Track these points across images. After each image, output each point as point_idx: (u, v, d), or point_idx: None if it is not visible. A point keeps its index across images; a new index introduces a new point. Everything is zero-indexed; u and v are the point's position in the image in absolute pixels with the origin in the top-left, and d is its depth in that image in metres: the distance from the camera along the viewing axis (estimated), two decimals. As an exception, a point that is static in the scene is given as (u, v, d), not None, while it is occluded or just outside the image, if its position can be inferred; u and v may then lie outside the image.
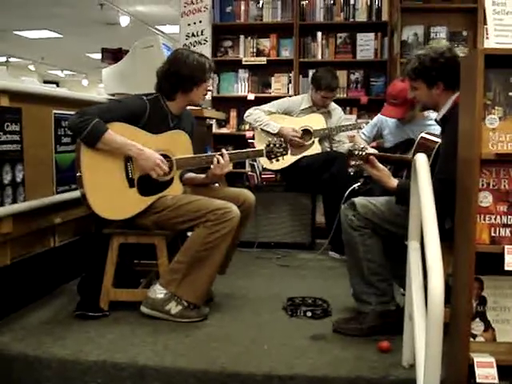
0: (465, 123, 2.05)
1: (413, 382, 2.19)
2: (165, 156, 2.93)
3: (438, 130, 3.57)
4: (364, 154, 2.59)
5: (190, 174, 3.19)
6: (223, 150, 3.03)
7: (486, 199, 1.95)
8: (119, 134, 2.79)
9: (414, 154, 2.73)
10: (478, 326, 2.05)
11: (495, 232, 1.95)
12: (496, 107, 1.91)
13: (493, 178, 1.94)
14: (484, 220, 1.95)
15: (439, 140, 2.69)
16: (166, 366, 2.35)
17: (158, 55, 3.72)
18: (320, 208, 4.78)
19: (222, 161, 2.98)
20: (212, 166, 2.99)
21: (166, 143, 2.95)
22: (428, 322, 1.67)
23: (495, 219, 1.95)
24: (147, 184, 2.88)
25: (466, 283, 1.95)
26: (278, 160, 3.16)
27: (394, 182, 2.59)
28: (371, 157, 2.61)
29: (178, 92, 2.99)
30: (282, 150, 3.12)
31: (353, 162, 2.62)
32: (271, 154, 3.11)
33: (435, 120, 2.67)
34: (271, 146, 3.11)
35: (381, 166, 2.61)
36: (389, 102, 3.90)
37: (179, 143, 3.02)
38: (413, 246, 2.26)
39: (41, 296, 3.18)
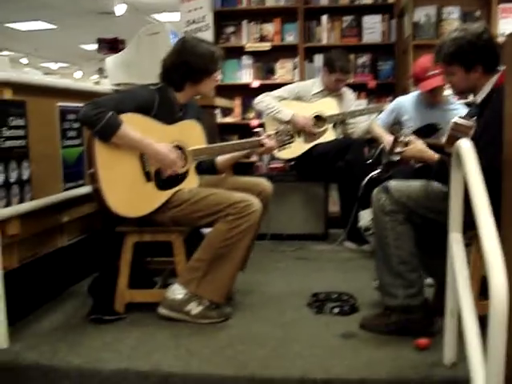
0: (513, 105, 1.89)
1: (459, 381, 2.07)
2: (179, 147, 2.79)
3: (460, 114, 3.45)
4: (407, 139, 2.45)
5: (223, 157, 3.04)
6: (262, 134, 2.99)
7: (540, 185, 1.80)
8: (134, 125, 2.62)
9: (447, 141, 2.58)
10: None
11: (551, 221, 1.81)
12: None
13: (547, 162, 1.80)
14: (538, 208, 1.81)
15: (471, 124, 2.54)
16: (192, 373, 2.21)
17: (164, 42, 3.57)
18: (332, 197, 4.64)
19: (272, 142, 2.94)
20: (262, 149, 2.96)
21: (179, 134, 2.80)
22: (491, 321, 1.52)
23: (551, 207, 1.80)
24: (163, 177, 2.73)
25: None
26: (285, 148, 3.10)
27: (434, 154, 2.47)
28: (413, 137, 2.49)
29: (186, 83, 2.83)
30: (289, 137, 3.04)
31: (398, 149, 2.47)
32: (280, 143, 3.02)
33: (473, 103, 2.51)
34: (279, 133, 3.02)
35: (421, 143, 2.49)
36: (426, 76, 3.69)
37: (192, 134, 2.88)
38: (455, 238, 2.11)
39: (51, 299, 3.03)
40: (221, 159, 3.04)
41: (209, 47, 2.85)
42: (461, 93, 2.58)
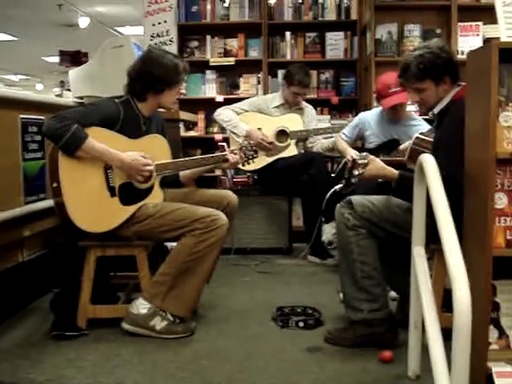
0: (475, 122, 1.94)
1: (423, 394, 2.10)
2: (144, 162, 2.77)
3: (422, 129, 3.52)
4: (367, 161, 2.48)
5: (186, 172, 3.02)
6: (226, 148, 2.97)
7: (500, 201, 1.85)
8: (99, 139, 2.60)
9: (409, 156, 2.63)
10: (492, 334, 1.95)
11: (511, 235, 1.85)
12: (510, 104, 1.81)
13: (507, 178, 1.85)
14: (499, 223, 1.86)
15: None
16: (157, 389, 2.18)
17: (128, 55, 3.53)
18: (296, 211, 4.66)
19: (236, 157, 2.95)
20: (227, 164, 2.97)
21: (144, 148, 2.78)
22: (455, 333, 1.55)
23: (511, 221, 1.85)
24: (128, 192, 2.70)
25: (482, 289, 1.85)
26: (249, 163, 3.12)
27: (393, 171, 2.49)
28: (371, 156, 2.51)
29: (148, 93, 2.82)
30: (253, 152, 3.07)
31: (357, 172, 2.49)
32: (244, 157, 3.03)
33: (432, 114, 2.55)
34: (243, 148, 3.03)
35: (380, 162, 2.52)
36: (389, 93, 3.74)
37: (157, 148, 2.87)
38: (418, 252, 2.14)
39: (11, 315, 2.95)
40: (185, 173, 3.02)
41: (173, 59, 2.85)
42: (431, 108, 2.59)
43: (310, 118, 4.58)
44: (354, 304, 2.56)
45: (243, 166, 3.13)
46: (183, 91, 2.99)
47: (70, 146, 2.52)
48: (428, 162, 1.93)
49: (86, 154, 2.56)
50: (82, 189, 2.60)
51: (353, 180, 2.54)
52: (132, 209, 2.71)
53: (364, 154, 2.55)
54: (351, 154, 3.81)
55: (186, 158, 2.99)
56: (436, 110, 2.50)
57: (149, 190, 2.78)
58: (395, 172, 2.48)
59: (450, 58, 2.47)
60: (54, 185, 2.56)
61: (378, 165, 2.51)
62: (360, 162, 2.48)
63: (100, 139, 2.60)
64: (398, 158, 2.91)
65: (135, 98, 2.82)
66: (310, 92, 5.39)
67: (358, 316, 2.54)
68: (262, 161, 4.31)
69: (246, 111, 4.48)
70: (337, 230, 2.62)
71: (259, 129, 4.36)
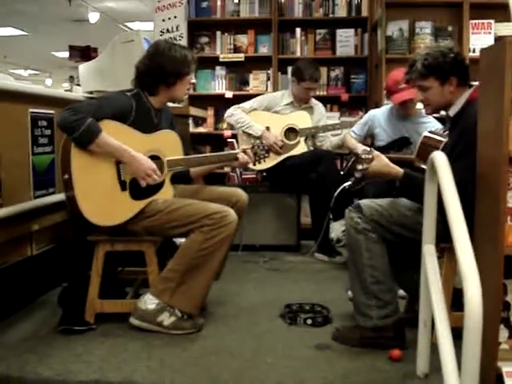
0: (487, 120, 1.92)
1: (432, 393, 2.09)
2: (155, 157, 2.76)
3: (432, 127, 3.50)
4: (371, 156, 2.44)
5: (196, 168, 3.03)
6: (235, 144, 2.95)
7: (512, 199, 1.83)
8: (113, 133, 2.59)
9: (417, 154, 2.61)
10: (502, 333, 1.94)
11: (524, 234, 1.83)
12: (524, 101, 1.79)
13: (520, 176, 1.83)
14: (511, 221, 1.84)
15: (443, 138, 2.57)
16: (165, 385, 2.18)
17: (139, 50, 3.51)
18: (304, 208, 4.65)
19: (246, 157, 2.95)
20: (238, 163, 2.97)
21: (156, 143, 2.78)
22: (466, 332, 1.54)
23: (523, 220, 1.83)
24: (138, 187, 2.70)
25: (493, 288, 1.84)
26: (260, 162, 3.12)
27: (399, 169, 2.46)
28: (376, 152, 2.48)
29: (160, 86, 2.81)
30: (264, 152, 3.06)
31: (360, 167, 2.45)
32: (255, 157, 3.03)
33: (447, 116, 2.53)
34: (255, 148, 3.03)
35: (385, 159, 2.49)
36: (398, 89, 3.71)
37: (169, 143, 2.86)
38: (428, 251, 2.12)
39: (20, 309, 2.96)
40: (195, 169, 3.02)
41: (181, 50, 2.84)
42: (436, 110, 2.55)
43: (320, 116, 4.55)
44: (364, 311, 2.53)
45: (254, 165, 3.12)
46: (193, 81, 2.96)
47: (83, 139, 2.51)
48: (440, 160, 1.91)
49: (99, 147, 2.56)
50: (93, 181, 2.59)
51: (356, 175, 2.50)
52: (142, 203, 2.70)
53: (368, 149, 2.52)
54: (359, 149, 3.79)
55: (198, 155, 3.01)
56: (451, 113, 2.47)
57: (159, 186, 2.77)
58: (400, 170, 2.45)
59: (459, 58, 2.43)
60: (66, 176, 2.55)
61: (382, 161, 2.47)
62: (363, 156, 2.44)
63: (113, 132, 2.59)
64: (405, 156, 2.88)
65: (146, 91, 2.82)
66: (319, 89, 5.40)
67: (367, 323, 2.52)
68: (271, 160, 4.30)
69: (255, 109, 4.46)
70: (346, 234, 2.59)
71: (267, 127, 4.34)
